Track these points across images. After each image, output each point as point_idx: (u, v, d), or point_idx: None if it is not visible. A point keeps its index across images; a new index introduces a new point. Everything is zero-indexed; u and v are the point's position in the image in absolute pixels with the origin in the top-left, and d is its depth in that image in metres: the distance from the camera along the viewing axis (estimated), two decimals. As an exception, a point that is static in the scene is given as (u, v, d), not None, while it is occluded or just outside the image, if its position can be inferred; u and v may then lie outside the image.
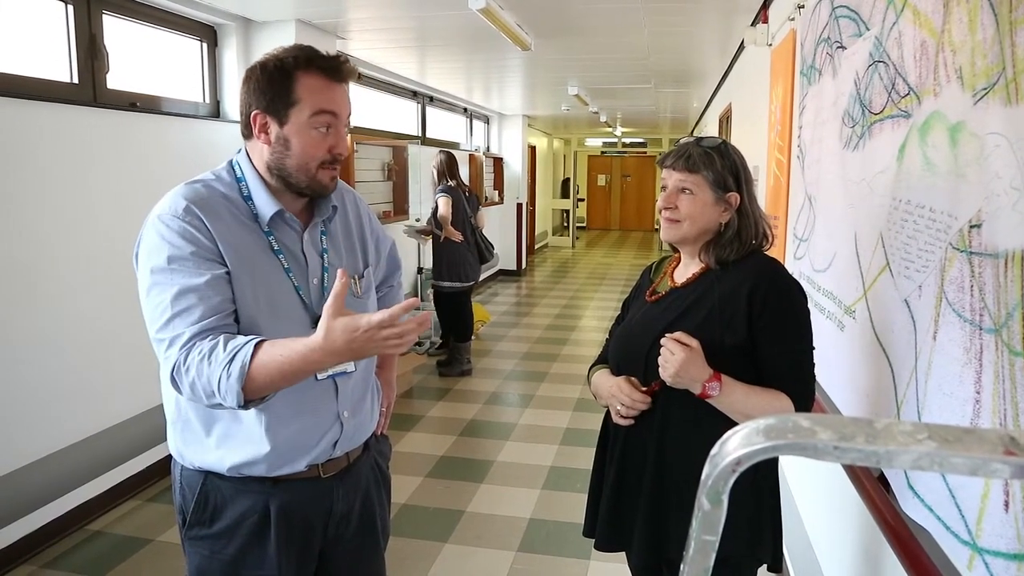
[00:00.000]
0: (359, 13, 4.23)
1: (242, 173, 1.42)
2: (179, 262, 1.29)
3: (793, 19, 2.80)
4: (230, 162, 1.46)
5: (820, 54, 2.29)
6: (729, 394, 1.43)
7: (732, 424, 1.47)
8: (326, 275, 1.46)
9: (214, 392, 1.22)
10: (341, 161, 1.41)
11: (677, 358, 1.42)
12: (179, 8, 3.74)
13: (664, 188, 1.59)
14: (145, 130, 3.51)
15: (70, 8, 3.12)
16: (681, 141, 1.61)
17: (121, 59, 3.39)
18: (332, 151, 1.38)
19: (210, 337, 1.25)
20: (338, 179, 1.46)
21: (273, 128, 1.37)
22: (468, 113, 9.65)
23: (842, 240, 1.91)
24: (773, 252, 2.98)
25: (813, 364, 1.52)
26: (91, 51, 3.21)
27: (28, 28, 3.11)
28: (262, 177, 1.42)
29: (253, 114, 1.37)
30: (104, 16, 3.29)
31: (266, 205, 1.40)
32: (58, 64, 3.13)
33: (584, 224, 18.57)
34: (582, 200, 18.17)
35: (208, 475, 1.43)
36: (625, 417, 1.56)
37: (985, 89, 1.07)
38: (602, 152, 18.47)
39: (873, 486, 1.49)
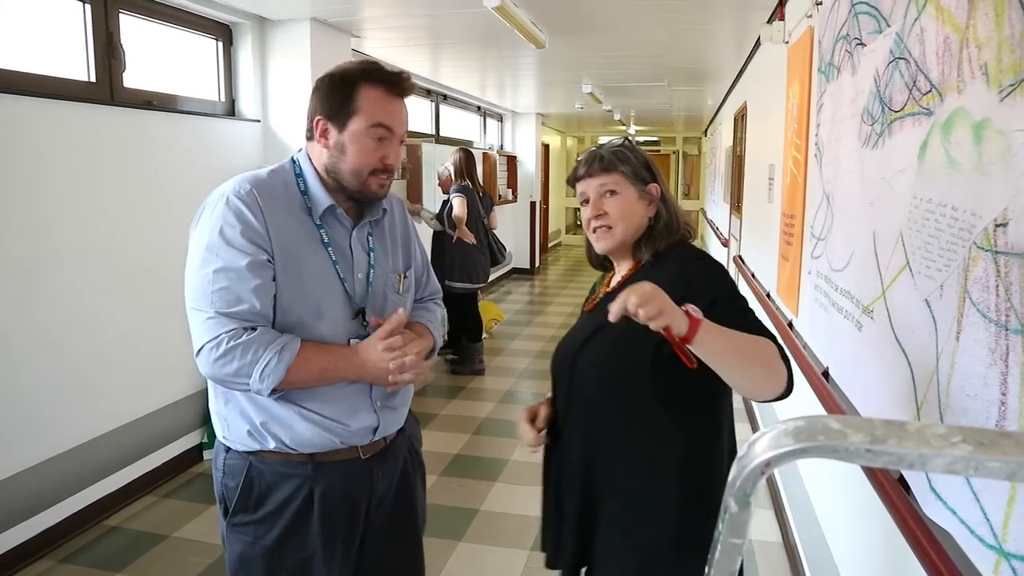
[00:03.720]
0: (373, 11, 4.23)
1: (301, 169, 1.53)
2: (228, 240, 1.39)
3: (811, 16, 2.77)
4: (292, 159, 1.56)
5: (839, 51, 2.26)
6: (713, 328, 1.17)
7: (660, 447, 1.40)
8: (372, 271, 1.55)
9: (248, 376, 1.35)
10: (392, 171, 1.50)
11: (644, 289, 1.12)
12: (195, 7, 3.76)
13: (586, 202, 1.52)
14: (160, 128, 3.53)
15: (87, 7, 3.14)
16: (580, 156, 1.58)
17: (137, 58, 3.40)
18: (383, 161, 1.48)
19: (251, 326, 1.37)
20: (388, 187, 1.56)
21: (332, 134, 1.47)
22: (482, 111, 9.65)
23: (860, 239, 1.89)
24: (792, 251, 2.96)
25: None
26: (108, 50, 3.23)
27: (46, 27, 3.13)
28: (320, 175, 1.51)
29: (316, 119, 1.49)
30: (121, 15, 3.30)
31: (321, 199, 1.50)
32: (76, 63, 3.15)
33: (597, 223, 18.49)
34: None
35: (252, 462, 1.48)
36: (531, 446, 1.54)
37: (1012, 86, 1.05)
38: (615, 150, 18.39)
39: (894, 488, 1.47)
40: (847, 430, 0.46)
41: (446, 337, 5.96)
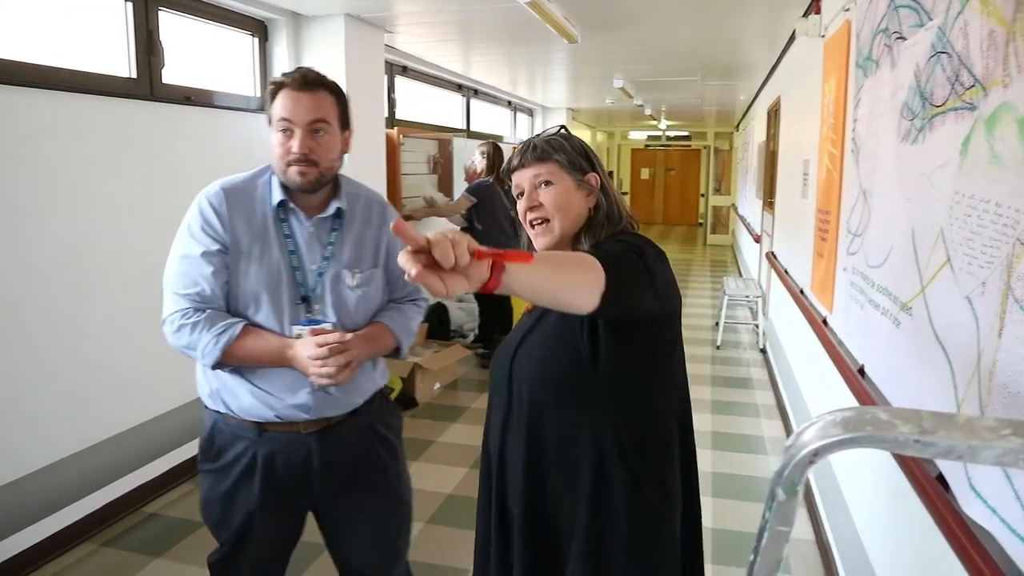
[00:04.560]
0: (407, 7, 4.26)
1: (272, 170, 1.71)
2: (191, 233, 1.64)
3: (848, 9, 2.74)
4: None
5: (877, 45, 2.23)
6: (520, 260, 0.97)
7: (601, 436, 1.34)
8: (324, 263, 1.71)
9: (194, 350, 1.61)
10: (307, 161, 1.62)
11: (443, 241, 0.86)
12: (232, 3, 3.81)
13: (521, 195, 1.45)
14: (198, 123, 3.59)
15: (129, 5, 3.20)
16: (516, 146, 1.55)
17: (175, 54, 3.47)
18: (290, 151, 1.63)
19: (201, 308, 1.61)
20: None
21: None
22: (512, 106, 9.65)
23: (898, 235, 1.87)
24: (827, 247, 2.93)
25: (635, 268, 1.24)
26: (148, 46, 3.29)
27: (89, 25, 3.20)
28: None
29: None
30: (160, 12, 3.37)
31: (275, 196, 1.69)
32: (117, 59, 3.21)
33: (626, 218, 18.42)
34: (625, 194, 18.04)
35: (216, 420, 1.74)
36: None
37: (1060, 80, 1.04)
38: (646, 145, 18.31)
39: (931, 486, 1.46)
40: (896, 420, 0.46)
41: (477, 331, 6.00)
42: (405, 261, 0.84)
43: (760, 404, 4.82)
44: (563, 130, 1.52)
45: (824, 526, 2.94)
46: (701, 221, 16.77)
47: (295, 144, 1.61)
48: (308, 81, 1.64)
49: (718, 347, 6.25)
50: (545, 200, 1.42)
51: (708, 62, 6.23)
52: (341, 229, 1.75)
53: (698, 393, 5.00)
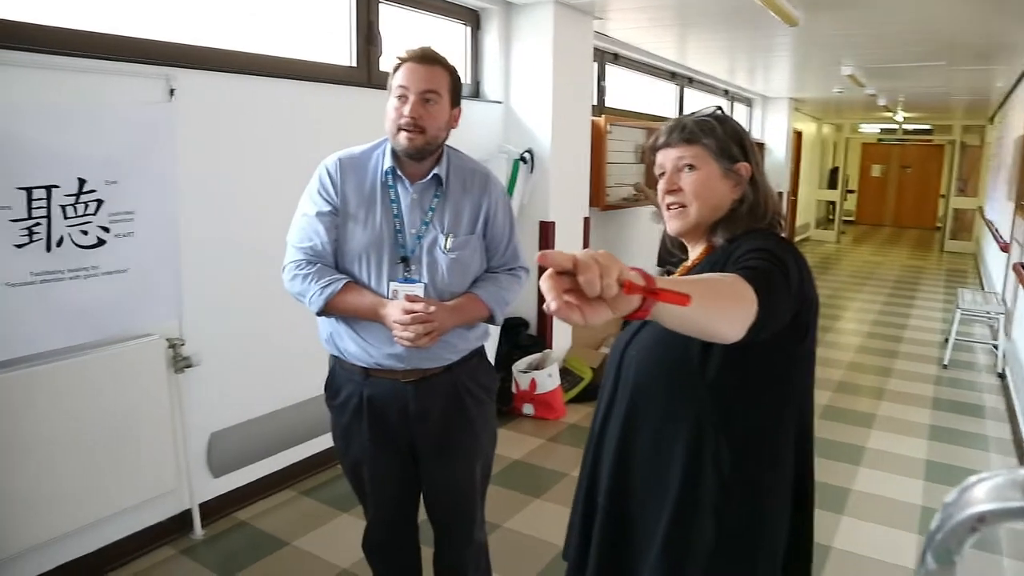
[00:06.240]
0: (618, -8, 4.18)
1: (386, 142, 1.86)
2: (310, 195, 1.86)
3: None
4: None
5: None
6: (667, 280, 0.93)
7: (698, 441, 1.24)
8: (424, 227, 1.84)
9: (304, 297, 1.80)
10: (416, 127, 1.74)
11: (594, 262, 0.79)
12: (448, -6, 3.97)
13: (662, 175, 1.37)
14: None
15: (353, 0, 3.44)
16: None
17: (390, 43, 3.66)
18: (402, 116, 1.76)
19: (313, 260, 1.82)
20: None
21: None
22: (729, 95, 9.23)
23: None
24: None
25: (784, 292, 1.12)
26: (368, 37, 3.51)
27: (317, 19, 3.47)
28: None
29: None
30: (381, 5, 3.57)
31: (386, 162, 1.84)
32: (340, 50, 3.46)
33: (852, 218, 17.00)
34: (852, 192, 16.65)
35: (335, 362, 1.95)
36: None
37: None
38: (879, 139, 16.71)
39: None
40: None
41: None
42: (547, 288, 0.79)
43: (991, 436, 4.21)
44: (719, 111, 1.41)
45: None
46: (939, 225, 15.04)
47: (407, 108, 1.75)
48: (426, 56, 1.79)
49: (945, 366, 5.57)
50: (685, 185, 1.34)
51: (957, 43, 5.50)
52: (443, 196, 1.87)
53: (914, 416, 4.51)
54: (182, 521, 2.93)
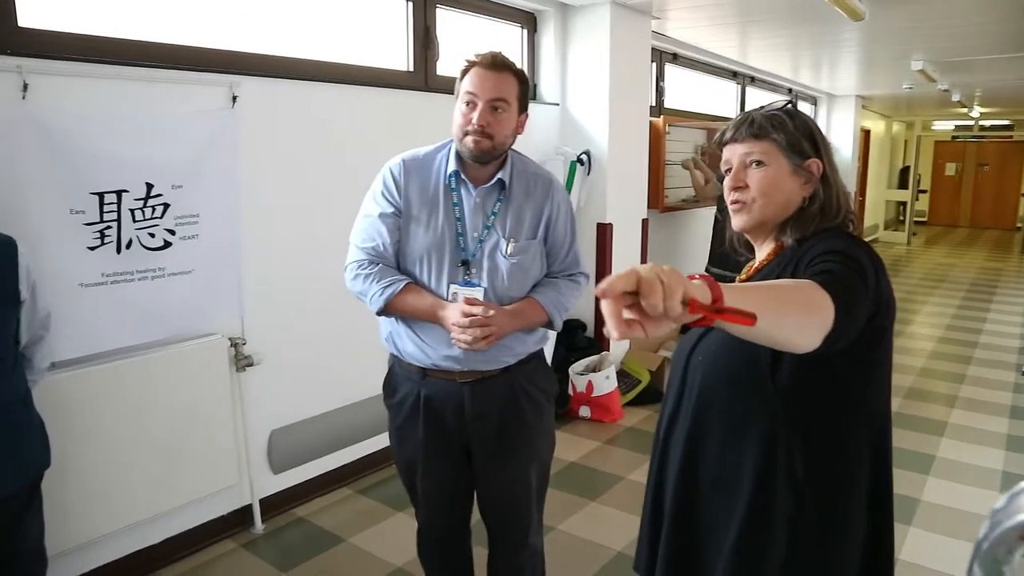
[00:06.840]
0: (675, -9, 4.13)
1: (451, 145, 1.87)
2: (374, 196, 1.88)
3: None
4: None
5: None
6: (737, 290, 0.94)
7: (770, 450, 1.19)
8: (486, 231, 1.85)
9: (365, 296, 1.82)
10: (483, 133, 1.75)
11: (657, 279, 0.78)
12: (504, -2, 3.98)
13: (728, 170, 1.33)
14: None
15: (409, 5, 3.47)
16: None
17: (448, 48, 3.70)
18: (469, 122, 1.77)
19: (375, 261, 1.83)
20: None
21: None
22: (793, 94, 9.00)
23: None
24: None
25: (862, 299, 1.08)
26: (425, 42, 3.55)
27: (375, 25, 3.53)
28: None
29: None
30: (437, 9, 3.61)
31: (450, 166, 1.85)
32: (397, 54, 3.51)
33: (924, 219, 16.36)
34: (924, 192, 16.01)
35: (393, 361, 1.96)
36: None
37: None
38: (953, 137, 16.04)
39: None
40: None
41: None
42: (608, 314, 0.77)
43: (1074, 447, 4.00)
44: (790, 106, 1.35)
45: None
46: (1020, 225, 14.35)
47: (476, 116, 1.76)
48: (496, 63, 1.78)
49: (1023, 373, 5.31)
50: (752, 182, 1.30)
51: (1037, 35, 5.26)
52: (505, 201, 1.87)
53: (991, 425, 4.30)
54: (243, 516, 3.01)
